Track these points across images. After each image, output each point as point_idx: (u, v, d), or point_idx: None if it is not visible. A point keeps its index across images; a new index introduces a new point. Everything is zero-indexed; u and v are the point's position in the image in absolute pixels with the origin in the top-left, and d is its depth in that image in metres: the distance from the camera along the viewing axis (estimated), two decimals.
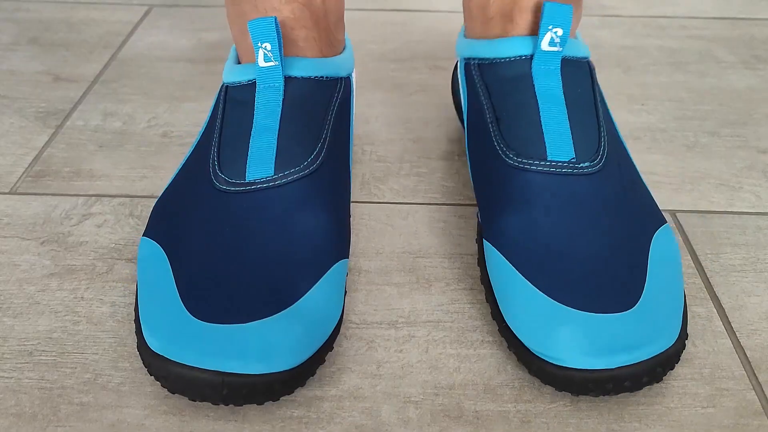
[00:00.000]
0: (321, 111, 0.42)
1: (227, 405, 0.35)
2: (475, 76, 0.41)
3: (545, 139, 0.39)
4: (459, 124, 0.59)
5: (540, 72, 0.39)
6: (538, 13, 0.40)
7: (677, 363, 0.37)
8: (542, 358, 0.35)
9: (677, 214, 0.49)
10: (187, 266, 0.37)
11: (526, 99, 0.39)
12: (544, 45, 0.38)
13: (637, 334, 0.34)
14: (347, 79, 0.45)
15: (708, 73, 0.67)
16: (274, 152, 0.40)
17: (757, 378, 0.38)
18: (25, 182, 0.51)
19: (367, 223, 0.48)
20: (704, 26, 0.76)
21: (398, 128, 0.58)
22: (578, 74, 0.40)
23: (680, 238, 0.47)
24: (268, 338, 0.34)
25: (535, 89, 0.39)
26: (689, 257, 0.46)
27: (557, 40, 0.38)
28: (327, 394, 0.37)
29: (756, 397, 0.37)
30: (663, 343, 0.35)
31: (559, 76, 0.39)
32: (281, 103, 0.41)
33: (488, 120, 0.41)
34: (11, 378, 0.37)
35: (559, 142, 0.39)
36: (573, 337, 0.34)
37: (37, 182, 0.51)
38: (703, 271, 0.45)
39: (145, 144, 0.56)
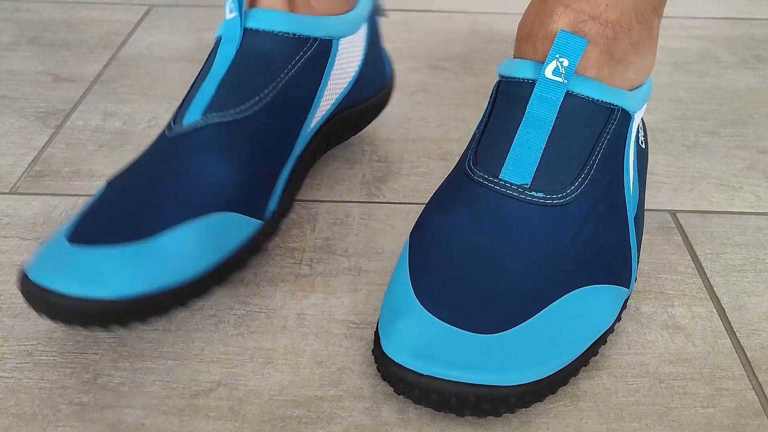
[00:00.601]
0: (276, 66, 0.43)
1: (88, 327, 0.37)
2: (493, 91, 0.41)
3: (506, 159, 0.38)
4: (459, 124, 0.59)
5: (537, 98, 0.38)
6: None
7: (505, 409, 0.34)
8: (381, 347, 0.35)
9: (677, 214, 0.49)
10: (102, 200, 0.39)
11: (512, 119, 0.39)
12: (548, 72, 0.38)
13: (473, 357, 0.33)
14: (327, 42, 0.45)
15: (708, 73, 0.67)
16: (210, 98, 0.41)
17: (757, 378, 0.38)
18: (25, 182, 0.52)
19: (367, 223, 0.48)
20: (704, 26, 0.76)
21: (398, 128, 0.58)
22: (586, 114, 0.39)
23: (680, 238, 0.47)
24: (99, 264, 0.36)
25: (526, 112, 0.38)
26: (689, 257, 0.46)
27: (562, 70, 0.38)
28: (327, 394, 0.37)
29: (756, 397, 0.37)
30: (493, 378, 0.33)
31: (557, 107, 0.38)
32: (234, 54, 0.42)
33: (476, 132, 0.41)
34: (11, 378, 0.37)
35: (518, 165, 0.38)
36: (405, 332, 0.34)
37: (37, 182, 0.51)
38: (703, 271, 0.45)
39: (145, 144, 0.56)
